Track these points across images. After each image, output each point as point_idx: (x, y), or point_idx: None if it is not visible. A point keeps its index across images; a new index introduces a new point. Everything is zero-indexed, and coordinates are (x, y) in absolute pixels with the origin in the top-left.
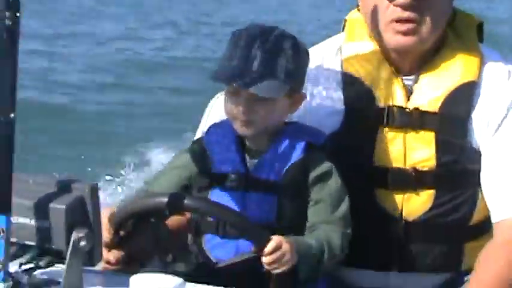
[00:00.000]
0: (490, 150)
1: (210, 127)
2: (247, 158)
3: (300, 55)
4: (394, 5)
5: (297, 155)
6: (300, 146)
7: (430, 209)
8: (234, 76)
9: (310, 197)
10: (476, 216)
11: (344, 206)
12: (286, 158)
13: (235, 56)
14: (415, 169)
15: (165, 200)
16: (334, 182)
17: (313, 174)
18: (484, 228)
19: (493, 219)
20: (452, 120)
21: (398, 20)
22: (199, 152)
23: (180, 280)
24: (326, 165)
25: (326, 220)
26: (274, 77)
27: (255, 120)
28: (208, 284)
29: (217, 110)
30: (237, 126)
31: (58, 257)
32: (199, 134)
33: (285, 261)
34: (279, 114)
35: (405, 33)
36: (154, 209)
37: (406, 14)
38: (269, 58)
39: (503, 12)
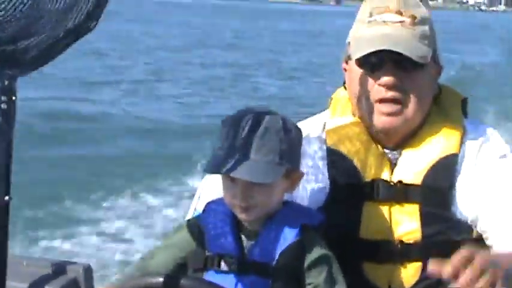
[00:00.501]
0: (487, 198)
1: (206, 205)
2: (243, 238)
3: (292, 134)
4: (378, 85)
5: (292, 237)
6: (295, 228)
7: (418, 281)
8: (225, 165)
9: (306, 281)
10: None
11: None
12: (282, 240)
13: (227, 144)
14: (401, 242)
15: (161, 280)
16: (331, 265)
17: (309, 258)
18: None
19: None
20: (435, 192)
21: (383, 100)
22: (196, 232)
23: None
24: (323, 248)
25: None
26: (268, 161)
27: (253, 206)
28: None
29: (210, 188)
30: (236, 212)
31: None
32: (191, 212)
33: None
34: (278, 197)
35: (390, 114)
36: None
37: (390, 94)
38: (261, 143)
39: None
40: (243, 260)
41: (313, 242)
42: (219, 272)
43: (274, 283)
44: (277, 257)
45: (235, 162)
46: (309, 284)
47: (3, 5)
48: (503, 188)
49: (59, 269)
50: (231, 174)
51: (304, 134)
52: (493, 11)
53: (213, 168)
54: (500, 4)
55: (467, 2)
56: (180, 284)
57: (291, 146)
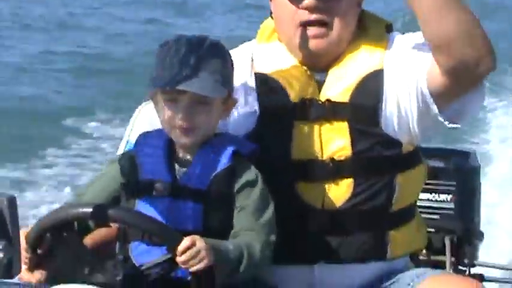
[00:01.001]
0: (418, 64)
1: (138, 137)
2: (177, 167)
3: (230, 59)
4: (300, 8)
5: (223, 163)
6: (226, 155)
7: (350, 198)
8: (175, 80)
9: (235, 204)
10: (396, 204)
11: (268, 213)
12: (213, 166)
13: (172, 63)
14: (332, 160)
15: (88, 209)
16: (259, 189)
17: (238, 183)
18: (405, 215)
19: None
20: (363, 109)
21: (307, 23)
22: (129, 163)
23: None
24: (251, 173)
25: (249, 227)
26: (215, 80)
27: (196, 127)
28: None
29: (142, 120)
30: (176, 135)
31: None
32: (123, 144)
33: (200, 259)
34: (216, 120)
35: (315, 37)
36: (72, 219)
37: (314, 16)
38: (206, 62)
39: None
40: (175, 186)
41: (243, 168)
42: (151, 198)
43: (206, 207)
44: (208, 182)
45: (184, 77)
46: (238, 206)
47: None
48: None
49: None
50: (181, 87)
51: (237, 58)
52: None
53: (160, 82)
54: None
55: None
56: (106, 213)
57: (230, 70)
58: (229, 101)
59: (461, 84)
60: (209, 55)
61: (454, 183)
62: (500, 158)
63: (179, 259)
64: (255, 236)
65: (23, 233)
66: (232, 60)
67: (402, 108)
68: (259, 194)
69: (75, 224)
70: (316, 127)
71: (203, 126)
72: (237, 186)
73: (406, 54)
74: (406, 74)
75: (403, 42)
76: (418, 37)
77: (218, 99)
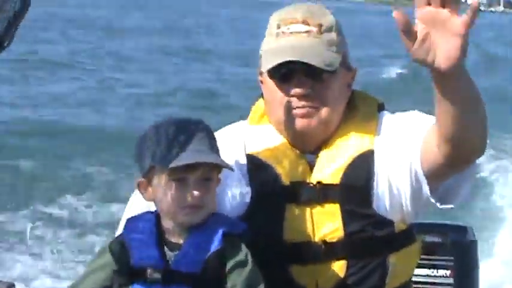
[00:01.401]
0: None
1: (126, 222)
2: (167, 251)
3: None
4: (289, 96)
5: (214, 246)
6: (217, 237)
7: (343, 279)
8: (191, 156)
9: (227, 284)
10: (390, 283)
11: None
12: (205, 249)
13: (181, 142)
14: (324, 242)
15: None
16: (249, 269)
17: (229, 263)
18: None
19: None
20: (353, 190)
21: (295, 108)
22: (119, 249)
23: None
24: (242, 254)
25: None
26: (218, 155)
27: (205, 204)
28: None
29: (134, 208)
30: (182, 215)
31: None
32: (120, 231)
33: None
34: (215, 198)
35: (305, 116)
36: None
37: (302, 104)
38: (206, 140)
39: None
40: (167, 271)
41: (234, 249)
42: (144, 285)
43: None
44: (200, 266)
45: (192, 153)
46: (228, 286)
47: None
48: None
49: None
50: (197, 161)
51: (223, 142)
52: (491, 11)
53: (167, 162)
54: (499, 5)
55: (466, 1)
56: None
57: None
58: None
59: (457, 168)
60: (206, 134)
61: (452, 258)
62: None
63: None
64: None
65: None
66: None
67: (394, 188)
68: (249, 273)
69: None
70: (307, 209)
71: (211, 203)
72: (228, 267)
73: (398, 135)
74: (398, 155)
75: (394, 122)
76: (408, 117)
77: (216, 176)
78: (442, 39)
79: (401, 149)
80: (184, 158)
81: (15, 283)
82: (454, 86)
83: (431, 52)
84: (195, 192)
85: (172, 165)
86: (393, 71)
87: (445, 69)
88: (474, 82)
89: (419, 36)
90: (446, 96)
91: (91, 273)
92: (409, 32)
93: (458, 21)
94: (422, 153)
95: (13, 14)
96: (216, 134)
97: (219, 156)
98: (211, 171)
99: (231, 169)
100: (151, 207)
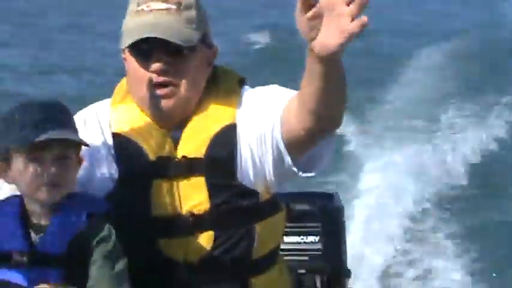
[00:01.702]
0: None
1: None
2: (32, 234)
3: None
4: (149, 72)
5: (78, 226)
6: (82, 217)
7: (210, 250)
8: (43, 133)
9: (91, 260)
10: (256, 252)
11: (119, 266)
12: (69, 230)
13: (34, 121)
14: (192, 214)
15: None
16: (111, 245)
17: (93, 242)
18: (266, 262)
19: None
20: (217, 163)
21: (156, 85)
22: None
23: None
24: (105, 231)
25: (100, 279)
26: (75, 131)
27: (63, 182)
28: None
29: (2, 191)
30: (41, 193)
31: None
32: None
33: None
34: (75, 176)
35: (164, 97)
36: None
37: (161, 79)
38: (63, 118)
39: None
40: (32, 253)
41: (98, 229)
42: (10, 268)
43: (67, 270)
44: (66, 246)
45: (46, 131)
46: (92, 260)
47: None
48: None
49: None
50: (50, 137)
51: (88, 121)
52: None
53: (26, 139)
54: None
55: None
56: None
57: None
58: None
59: (316, 138)
60: (64, 112)
61: (320, 224)
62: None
63: None
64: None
65: None
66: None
67: (257, 159)
68: (111, 248)
69: None
70: (174, 184)
71: (70, 182)
72: (93, 245)
73: (259, 108)
74: (260, 127)
75: (255, 96)
76: (269, 91)
77: (75, 154)
78: (329, 28)
79: (263, 121)
80: (38, 137)
81: None
82: (324, 68)
83: (314, 31)
84: (52, 169)
85: (26, 143)
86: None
87: (318, 53)
88: (343, 66)
89: (313, 12)
90: (316, 74)
91: None
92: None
93: (350, 24)
94: (283, 126)
95: None
96: (81, 113)
97: (75, 134)
98: (68, 149)
99: (86, 145)
100: (14, 191)
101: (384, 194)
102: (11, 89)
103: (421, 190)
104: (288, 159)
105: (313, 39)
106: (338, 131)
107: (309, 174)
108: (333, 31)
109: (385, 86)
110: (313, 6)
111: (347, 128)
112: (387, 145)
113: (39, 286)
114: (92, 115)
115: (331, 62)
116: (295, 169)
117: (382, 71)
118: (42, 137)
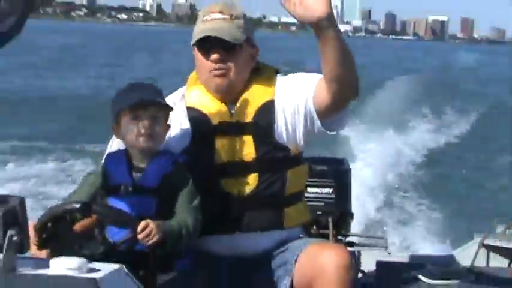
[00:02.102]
0: (292, 98)
1: (106, 156)
2: (134, 173)
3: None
4: (209, 60)
5: (167, 169)
6: (168, 164)
7: (256, 186)
8: (144, 98)
9: (176, 195)
10: (288, 190)
11: (195, 201)
12: (160, 171)
13: (136, 91)
14: (243, 161)
15: (76, 205)
16: (189, 186)
17: (177, 181)
18: (295, 198)
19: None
20: (261, 127)
21: (214, 70)
22: (101, 173)
23: (84, 260)
24: (184, 175)
25: (183, 210)
26: (164, 101)
27: (156, 134)
28: (106, 261)
29: (114, 143)
30: (141, 142)
31: None
32: (103, 160)
33: (154, 235)
34: (164, 136)
35: (219, 78)
36: (66, 213)
37: (217, 66)
38: (155, 92)
39: None
40: (134, 186)
41: (180, 172)
42: (118, 196)
43: (157, 199)
44: (157, 182)
45: (145, 96)
46: (178, 196)
47: None
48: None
49: (3, 199)
50: (141, 100)
51: (172, 99)
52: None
53: (131, 100)
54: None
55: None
56: (89, 207)
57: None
58: (168, 123)
59: (340, 105)
60: (157, 89)
61: (333, 180)
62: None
63: (138, 237)
64: (188, 216)
65: (31, 223)
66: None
67: (290, 126)
68: (189, 188)
69: (68, 216)
70: (230, 140)
71: (160, 135)
72: (176, 182)
73: (292, 88)
74: (293, 102)
75: (287, 80)
76: (298, 75)
77: (164, 117)
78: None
79: (295, 98)
80: (137, 100)
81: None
82: (323, 37)
83: (301, 7)
84: (146, 123)
85: (129, 103)
86: None
87: (306, 21)
88: (341, 39)
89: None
90: (324, 43)
91: (81, 188)
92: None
93: None
94: (315, 97)
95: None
96: (170, 96)
97: (163, 100)
98: (159, 112)
99: (171, 108)
100: (123, 147)
101: (369, 170)
102: None
103: (396, 166)
104: (318, 122)
105: (299, 15)
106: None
107: (333, 133)
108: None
109: (365, 101)
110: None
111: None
112: (371, 138)
113: (145, 220)
114: (176, 96)
115: (325, 30)
116: (323, 129)
117: (366, 91)
118: (132, 101)
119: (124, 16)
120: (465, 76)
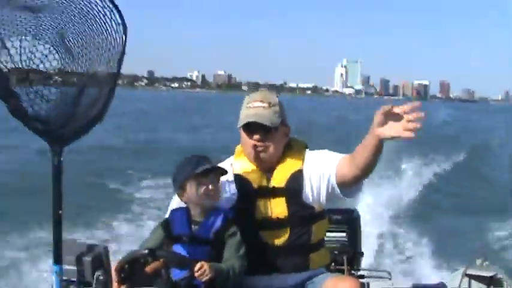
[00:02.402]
0: (316, 169)
1: (171, 211)
2: (192, 226)
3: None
4: (253, 140)
5: (218, 224)
6: (220, 219)
7: (288, 238)
8: (204, 168)
9: (225, 244)
10: (312, 239)
11: (242, 250)
12: (214, 225)
13: (196, 162)
14: (277, 218)
15: (146, 251)
16: (237, 237)
17: (227, 234)
18: (317, 246)
19: (333, 169)
20: (292, 191)
21: (256, 147)
22: (166, 226)
23: None
24: (233, 229)
25: (232, 257)
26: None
27: (215, 194)
28: None
29: (175, 202)
30: (205, 200)
31: (88, 285)
32: (167, 215)
33: (207, 273)
34: (220, 196)
35: (261, 153)
36: (139, 257)
37: (259, 144)
38: (210, 161)
39: None
40: (192, 236)
41: (230, 226)
42: (180, 244)
43: (210, 247)
44: (212, 234)
45: (204, 164)
46: (227, 245)
47: (56, 109)
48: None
49: (91, 247)
50: (205, 167)
51: (223, 166)
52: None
53: (193, 171)
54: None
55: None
56: (156, 253)
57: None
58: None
59: (359, 182)
60: (209, 159)
61: (347, 226)
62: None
63: (195, 275)
64: (236, 261)
65: (113, 265)
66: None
67: (315, 191)
68: (238, 239)
69: (141, 260)
70: (268, 201)
71: (218, 196)
72: (226, 235)
73: (318, 161)
74: (318, 174)
75: (315, 154)
76: (323, 152)
77: (219, 181)
78: (392, 125)
79: (321, 170)
80: (199, 169)
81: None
82: (375, 144)
83: (383, 124)
84: (210, 187)
85: (193, 172)
86: None
87: (378, 135)
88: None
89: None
90: (369, 146)
91: (151, 238)
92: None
93: (404, 127)
94: (338, 174)
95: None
96: (219, 164)
97: (219, 167)
98: (215, 177)
99: (226, 172)
100: (183, 205)
101: (372, 210)
102: None
103: (393, 207)
104: (338, 191)
105: (379, 126)
106: None
107: (351, 198)
108: (393, 127)
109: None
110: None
111: None
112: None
113: (201, 262)
114: (225, 164)
115: (380, 143)
116: (342, 196)
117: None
118: (201, 169)
119: (176, 85)
120: (445, 127)
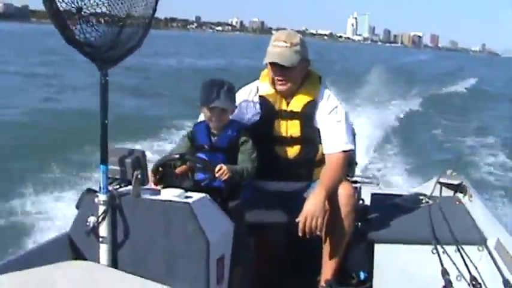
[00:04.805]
0: (324, 121)
1: (194, 125)
2: (212, 137)
3: (234, 92)
4: (274, 74)
5: (234, 134)
6: (234, 130)
7: (298, 153)
8: (212, 101)
9: (239, 151)
10: (318, 157)
11: (254, 155)
12: (230, 135)
13: (211, 93)
14: (291, 136)
15: (176, 156)
16: (249, 144)
17: (240, 141)
18: (320, 162)
19: (325, 152)
20: (306, 115)
21: (277, 80)
22: (191, 136)
23: (182, 191)
24: (246, 137)
25: (244, 159)
26: (230, 101)
27: (222, 119)
28: (196, 191)
29: (201, 116)
30: (212, 123)
31: (129, 183)
32: (192, 127)
33: (226, 173)
34: (229, 117)
35: (280, 85)
36: (171, 161)
37: (279, 78)
38: (226, 94)
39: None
40: (212, 145)
41: (242, 135)
42: (202, 152)
43: (227, 153)
44: (227, 143)
45: (215, 99)
46: (240, 151)
47: (108, 36)
48: (331, 127)
49: (131, 151)
50: (213, 105)
51: (249, 89)
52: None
53: (206, 103)
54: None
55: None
56: (185, 157)
57: (234, 96)
58: (232, 110)
59: None
60: (227, 90)
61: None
62: None
63: (216, 175)
64: (248, 164)
65: (149, 168)
66: (234, 90)
67: (323, 118)
68: (250, 145)
69: (172, 163)
70: (285, 121)
71: (224, 121)
72: (239, 142)
73: (325, 111)
74: (324, 112)
75: (325, 103)
76: (333, 113)
77: (230, 109)
78: None
79: (323, 122)
80: (211, 104)
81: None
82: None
83: None
84: (217, 116)
85: (206, 104)
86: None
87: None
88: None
89: None
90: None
91: (179, 145)
92: None
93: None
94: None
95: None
96: (247, 86)
97: (230, 103)
98: (223, 109)
99: (235, 107)
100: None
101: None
102: None
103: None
104: None
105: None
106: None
107: None
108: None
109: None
110: None
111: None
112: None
113: (220, 164)
114: (252, 85)
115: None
116: None
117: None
118: (212, 105)
119: (220, 28)
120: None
